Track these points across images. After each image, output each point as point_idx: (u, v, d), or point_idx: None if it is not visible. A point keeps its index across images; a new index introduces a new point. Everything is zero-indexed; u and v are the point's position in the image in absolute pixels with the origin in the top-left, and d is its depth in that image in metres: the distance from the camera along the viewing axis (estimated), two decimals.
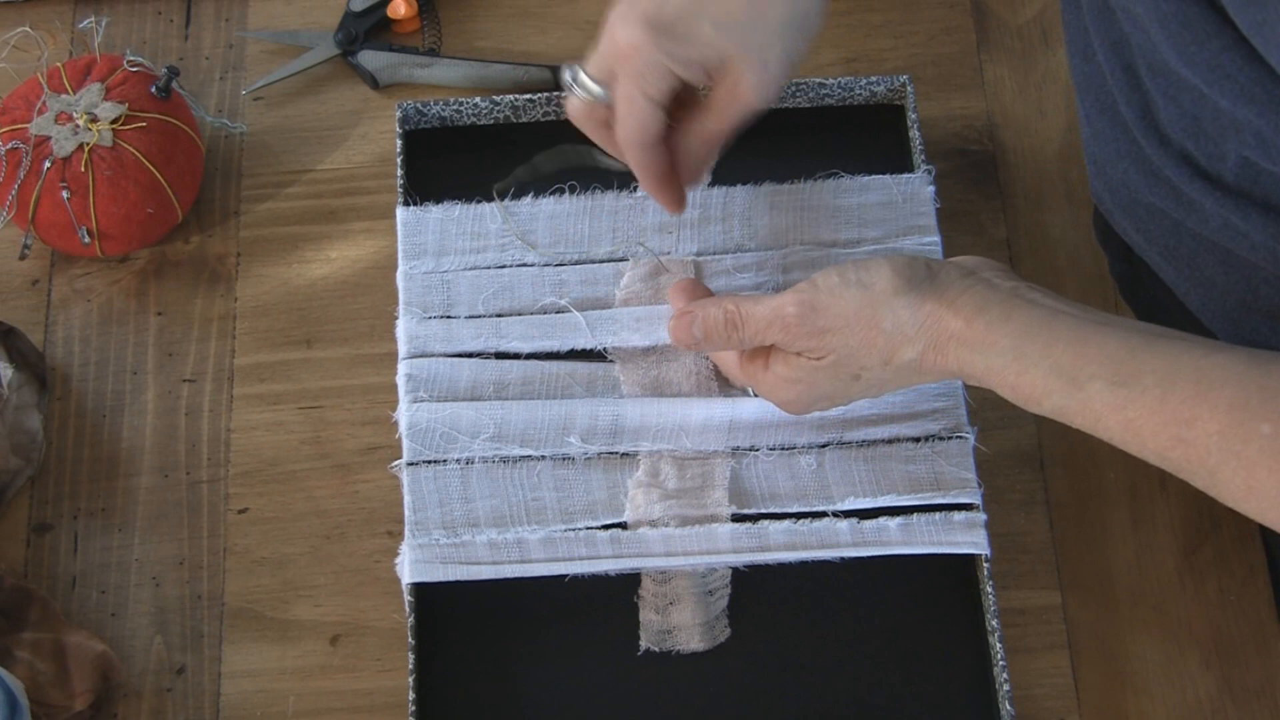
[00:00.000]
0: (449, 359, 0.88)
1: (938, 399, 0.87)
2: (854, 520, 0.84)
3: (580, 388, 0.87)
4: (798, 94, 0.94)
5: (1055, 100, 0.99)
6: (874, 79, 0.94)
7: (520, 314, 0.89)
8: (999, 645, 0.82)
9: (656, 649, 0.84)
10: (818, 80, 0.93)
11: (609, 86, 0.80)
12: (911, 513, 0.84)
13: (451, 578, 0.83)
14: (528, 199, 0.91)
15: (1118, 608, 0.87)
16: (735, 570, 0.85)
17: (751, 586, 0.85)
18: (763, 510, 0.85)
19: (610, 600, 0.85)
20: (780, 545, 0.84)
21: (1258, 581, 0.88)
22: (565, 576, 0.83)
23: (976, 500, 0.85)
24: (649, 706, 0.83)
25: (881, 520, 0.84)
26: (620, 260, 0.90)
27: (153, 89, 0.93)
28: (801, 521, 0.84)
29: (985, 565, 0.84)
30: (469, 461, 0.85)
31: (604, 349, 0.88)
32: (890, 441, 0.86)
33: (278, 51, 1.01)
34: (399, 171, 0.92)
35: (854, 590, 0.86)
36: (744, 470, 0.85)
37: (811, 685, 0.84)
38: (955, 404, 0.87)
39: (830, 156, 0.92)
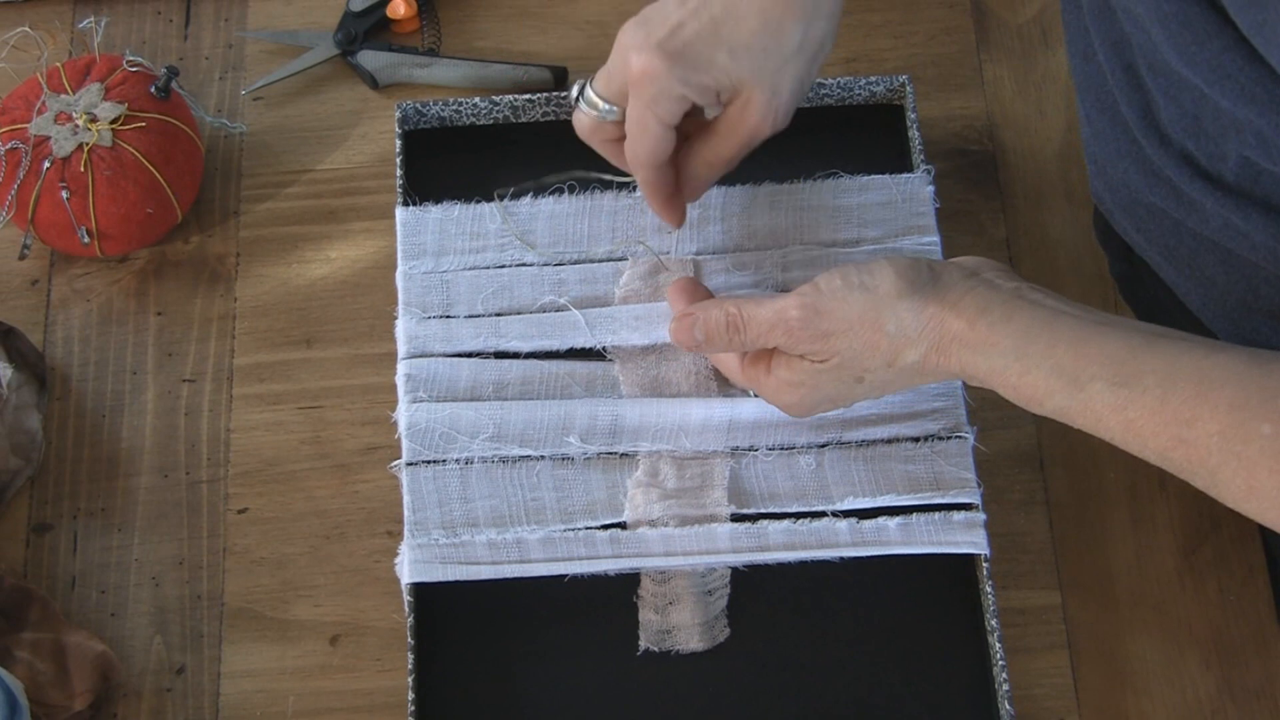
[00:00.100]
0: (448, 359, 0.88)
1: (937, 399, 0.87)
2: (853, 520, 0.84)
3: (580, 388, 0.87)
4: None
5: (1055, 100, 0.99)
6: (873, 79, 0.94)
7: (519, 313, 0.89)
8: (998, 645, 0.82)
9: (656, 649, 0.84)
10: (817, 80, 0.93)
11: (617, 103, 0.80)
12: (911, 512, 0.84)
13: (451, 578, 0.83)
14: (527, 199, 0.91)
15: (1118, 608, 0.87)
16: (734, 570, 0.85)
17: (751, 586, 0.85)
18: (762, 510, 0.85)
19: (610, 600, 0.85)
20: (779, 545, 0.84)
21: (1258, 581, 0.88)
22: (565, 576, 0.83)
23: (976, 500, 0.85)
24: (649, 706, 0.83)
25: (881, 520, 0.84)
26: (620, 260, 0.90)
27: (152, 89, 0.93)
28: (801, 521, 0.84)
29: (985, 565, 0.83)
30: (468, 461, 0.85)
31: (603, 348, 0.88)
32: (890, 441, 0.86)
33: (277, 51, 1.01)
34: (398, 171, 0.92)
35: (853, 590, 0.86)
36: (743, 470, 0.85)
37: (811, 685, 0.84)
38: (955, 404, 0.87)
39: (830, 156, 0.92)
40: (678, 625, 0.84)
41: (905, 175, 0.92)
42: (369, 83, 1.00)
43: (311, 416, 0.92)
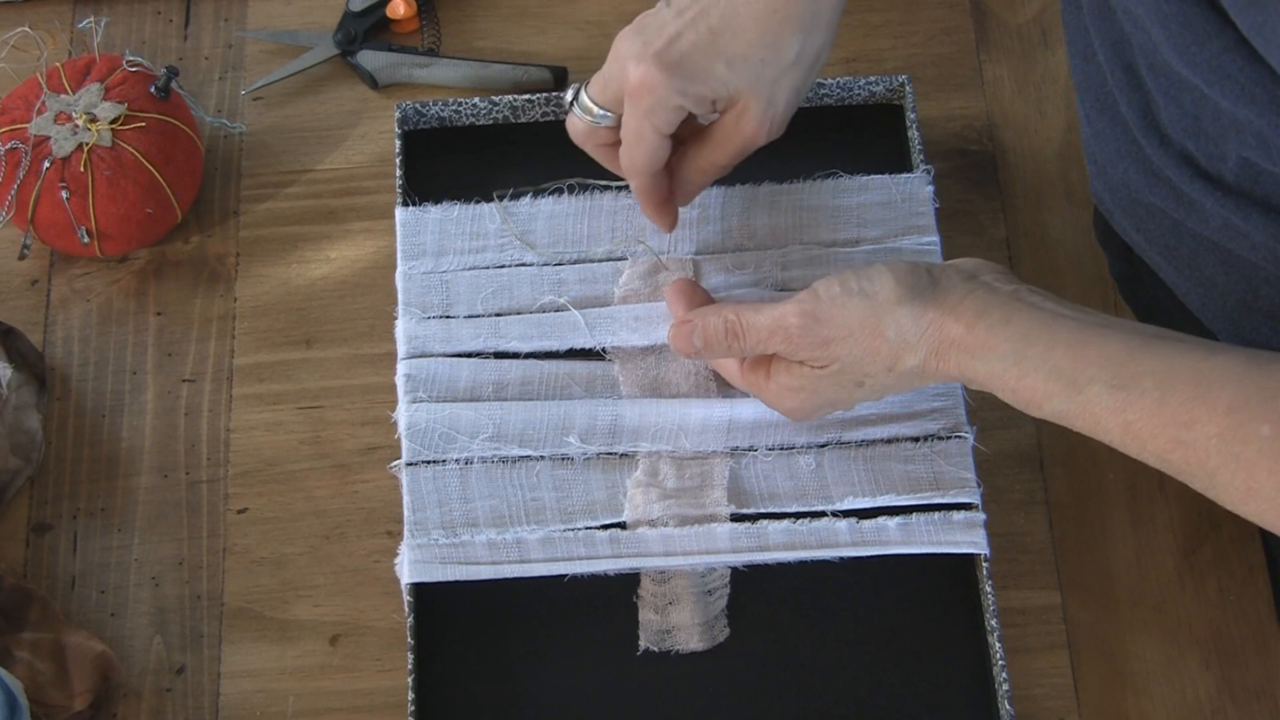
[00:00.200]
0: (448, 359, 0.88)
1: (937, 399, 0.87)
2: (853, 520, 0.84)
3: (579, 388, 0.87)
4: None
5: (1055, 100, 0.99)
6: (873, 79, 0.94)
7: (519, 313, 0.89)
8: (998, 645, 0.82)
9: (656, 649, 0.84)
10: (817, 80, 0.93)
11: (612, 109, 0.81)
12: (911, 512, 0.84)
13: (451, 578, 0.83)
14: (526, 199, 0.91)
15: (1118, 608, 0.87)
16: (734, 570, 0.85)
17: (751, 586, 0.85)
18: (762, 510, 0.85)
19: (609, 600, 0.85)
20: (779, 545, 0.84)
21: (1257, 581, 0.88)
22: (564, 576, 0.83)
23: (976, 500, 0.85)
24: (648, 706, 0.83)
25: (880, 520, 0.84)
26: (619, 259, 0.90)
27: (152, 89, 0.93)
28: (800, 521, 0.84)
29: (985, 565, 0.83)
30: (468, 461, 0.85)
31: (603, 349, 0.88)
32: (889, 441, 0.86)
33: (277, 51, 1.01)
34: (398, 172, 0.92)
35: (853, 590, 0.86)
36: (743, 470, 0.85)
37: (811, 685, 0.84)
38: (954, 404, 0.87)
39: (829, 156, 0.92)
40: (678, 625, 0.84)
41: (905, 175, 0.92)
42: (369, 83, 1.00)
43: (311, 416, 0.92)
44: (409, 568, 0.83)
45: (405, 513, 0.84)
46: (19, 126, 0.91)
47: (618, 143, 0.82)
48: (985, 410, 0.88)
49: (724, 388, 0.87)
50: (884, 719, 0.83)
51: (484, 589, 0.83)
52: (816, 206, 0.91)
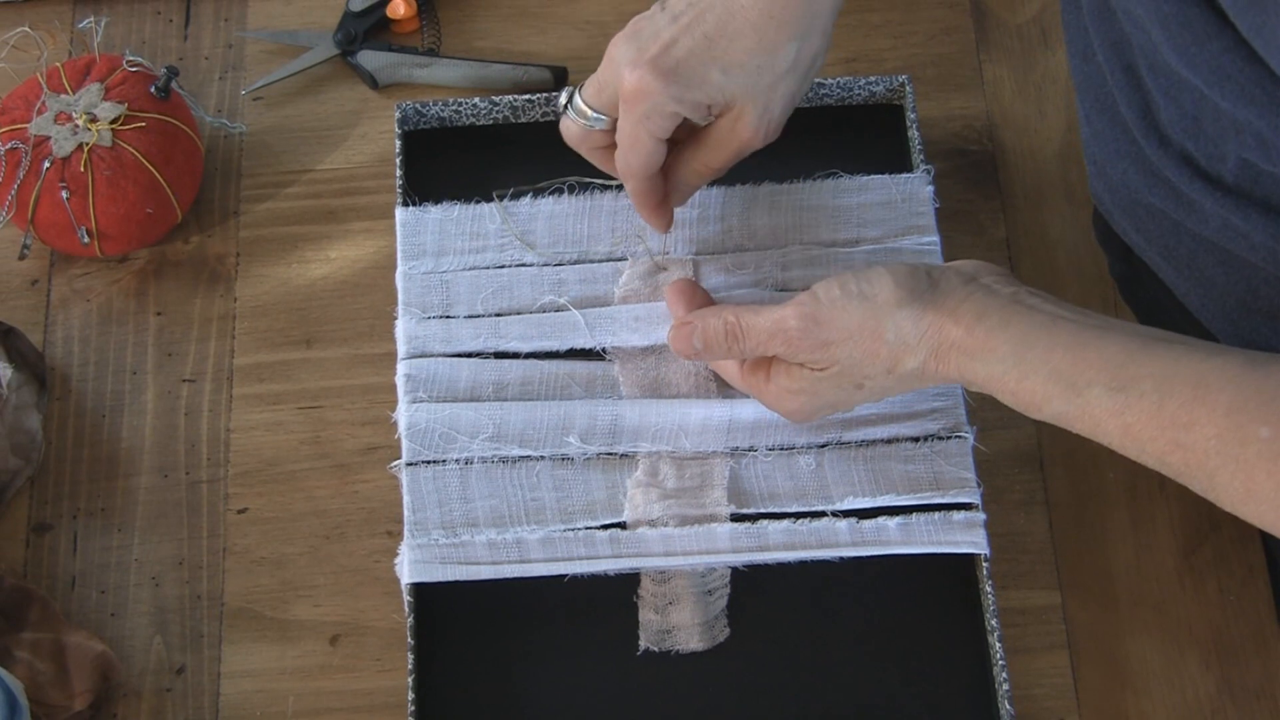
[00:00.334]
0: (448, 359, 0.88)
1: (937, 399, 0.87)
2: (853, 520, 0.84)
3: (579, 388, 0.87)
4: None
5: (1055, 100, 0.99)
6: (873, 79, 0.94)
7: (519, 313, 0.89)
8: (999, 645, 0.82)
9: (656, 649, 0.84)
10: (817, 80, 0.93)
11: (607, 113, 0.81)
12: (911, 512, 0.84)
13: (451, 578, 0.83)
14: (526, 199, 0.91)
15: (1117, 608, 0.87)
16: (734, 570, 0.85)
17: (751, 586, 0.85)
18: (762, 510, 0.85)
19: (610, 600, 0.85)
20: (779, 545, 0.84)
21: (1257, 582, 0.88)
22: (564, 576, 0.83)
23: (976, 500, 0.85)
24: (649, 706, 0.84)
25: (881, 520, 0.84)
26: (619, 260, 0.90)
27: (152, 89, 0.93)
28: (800, 521, 0.84)
29: (985, 565, 0.84)
30: (468, 462, 0.85)
31: (603, 349, 0.88)
32: (889, 441, 0.86)
33: (277, 51, 1.01)
34: (398, 172, 0.92)
35: (854, 590, 0.86)
36: (743, 470, 0.85)
37: (811, 685, 0.84)
38: (954, 404, 0.87)
39: (829, 156, 0.92)
40: (678, 625, 0.84)
41: (905, 175, 0.92)
42: (369, 83, 1.00)
43: (311, 416, 0.92)
44: (409, 568, 0.83)
45: (405, 513, 0.84)
46: (19, 126, 0.91)
47: (612, 146, 0.82)
48: (985, 410, 0.88)
49: (724, 388, 0.87)
50: (884, 719, 0.83)
51: (484, 589, 0.83)
52: (816, 206, 0.91)
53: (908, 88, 0.94)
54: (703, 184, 0.85)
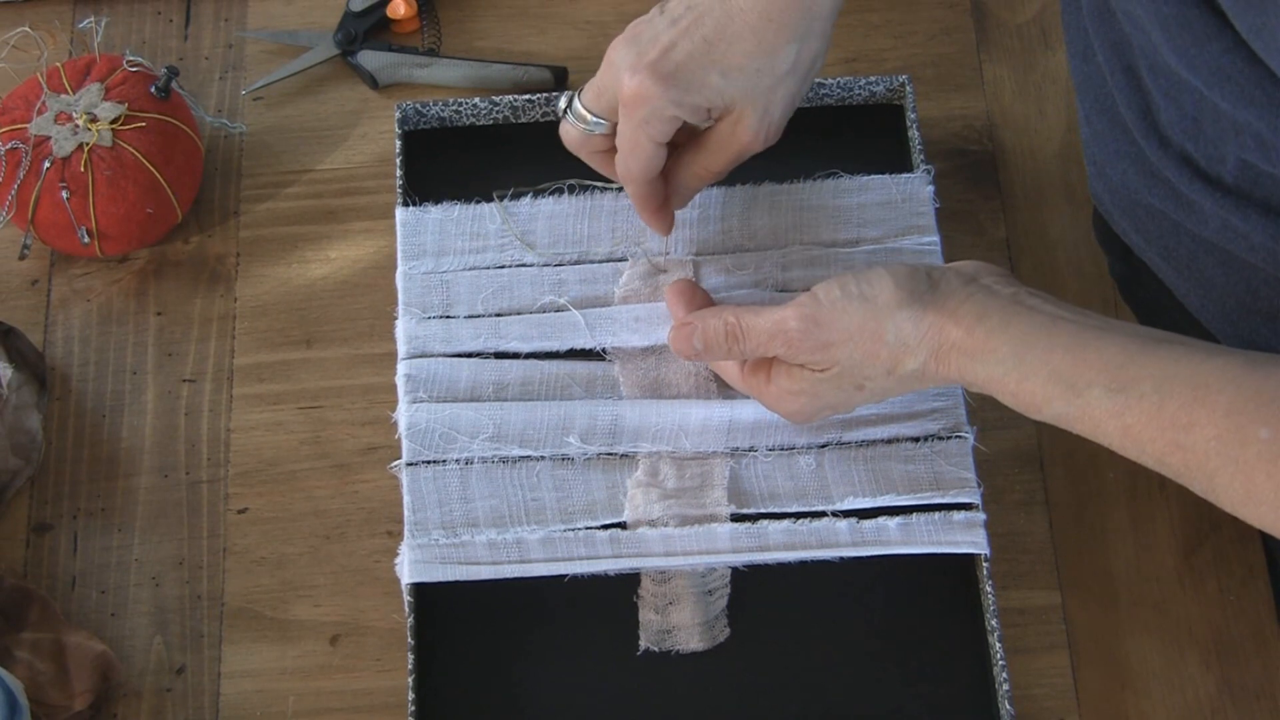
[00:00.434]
0: (448, 359, 0.88)
1: (937, 399, 0.87)
2: (853, 520, 0.84)
3: (579, 388, 0.87)
4: None
5: (1055, 100, 0.99)
6: (873, 79, 0.94)
7: (519, 313, 0.89)
8: (999, 645, 0.82)
9: (656, 649, 0.84)
10: (817, 80, 0.93)
11: (606, 117, 0.81)
12: (911, 512, 0.84)
13: (451, 578, 0.83)
14: (526, 199, 0.92)
15: (1117, 608, 0.87)
16: (735, 570, 0.85)
17: (751, 586, 0.85)
18: (762, 510, 0.85)
19: (610, 600, 0.85)
20: (779, 545, 0.84)
21: (1257, 582, 0.88)
22: (564, 576, 0.83)
23: (976, 500, 0.85)
24: (649, 706, 0.84)
25: (881, 520, 0.84)
26: (619, 260, 0.90)
27: (152, 89, 0.93)
28: (801, 521, 0.84)
29: (985, 565, 0.84)
30: (468, 462, 0.85)
31: (603, 349, 0.88)
32: (889, 441, 0.86)
33: (277, 51, 1.01)
34: (398, 172, 0.92)
35: (854, 590, 0.86)
36: (743, 470, 0.85)
37: (811, 685, 0.84)
38: (955, 404, 0.87)
39: (829, 156, 0.92)
40: (678, 625, 0.84)
41: (905, 175, 0.92)
42: (369, 83, 1.00)
43: (311, 416, 0.92)
44: (409, 568, 0.83)
45: (405, 513, 0.84)
46: (19, 126, 0.91)
47: (612, 150, 0.82)
48: (985, 410, 0.88)
49: (724, 388, 0.87)
50: (884, 719, 0.83)
51: (484, 589, 0.83)
52: (817, 207, 0.91)
53: (908, 88, 0.94)
54: (703, 187, 0.85)
